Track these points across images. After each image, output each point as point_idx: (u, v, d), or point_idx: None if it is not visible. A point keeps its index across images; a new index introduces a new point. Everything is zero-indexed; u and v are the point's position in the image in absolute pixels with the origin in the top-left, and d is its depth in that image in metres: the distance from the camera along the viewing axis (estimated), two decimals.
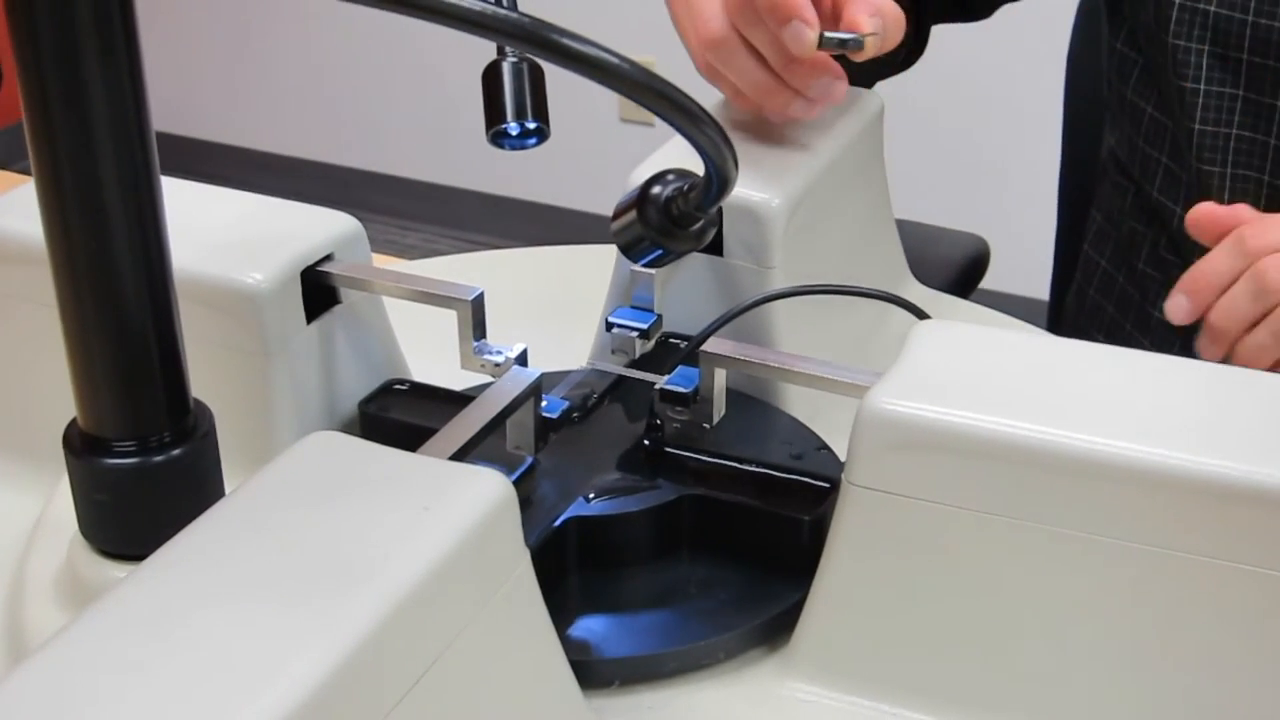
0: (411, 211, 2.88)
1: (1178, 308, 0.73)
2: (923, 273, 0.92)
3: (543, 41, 0.44)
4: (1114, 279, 1.09)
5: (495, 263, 0.95)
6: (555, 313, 0.87)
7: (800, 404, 0.74)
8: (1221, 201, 0.95)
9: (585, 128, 2.63)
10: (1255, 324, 0.71)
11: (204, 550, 0.48)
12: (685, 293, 0.74)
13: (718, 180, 0.53)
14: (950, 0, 1.05)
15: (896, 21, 0.72)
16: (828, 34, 0.69)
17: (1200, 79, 0.93)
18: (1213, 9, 0.91)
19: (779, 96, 0.75)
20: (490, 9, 0.43)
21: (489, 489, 0.51)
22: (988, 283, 1.31)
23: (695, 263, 0.74)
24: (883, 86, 0.86)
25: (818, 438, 0.71)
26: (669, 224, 0.59)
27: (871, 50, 0.70)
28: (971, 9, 1.06)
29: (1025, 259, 1.83)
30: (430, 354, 0.74)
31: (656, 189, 0.59)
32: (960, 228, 1.31)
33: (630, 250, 0.61)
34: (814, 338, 0.75)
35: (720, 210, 0.72)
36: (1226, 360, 0.72)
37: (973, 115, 2.37)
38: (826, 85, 0.74)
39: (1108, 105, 1.10)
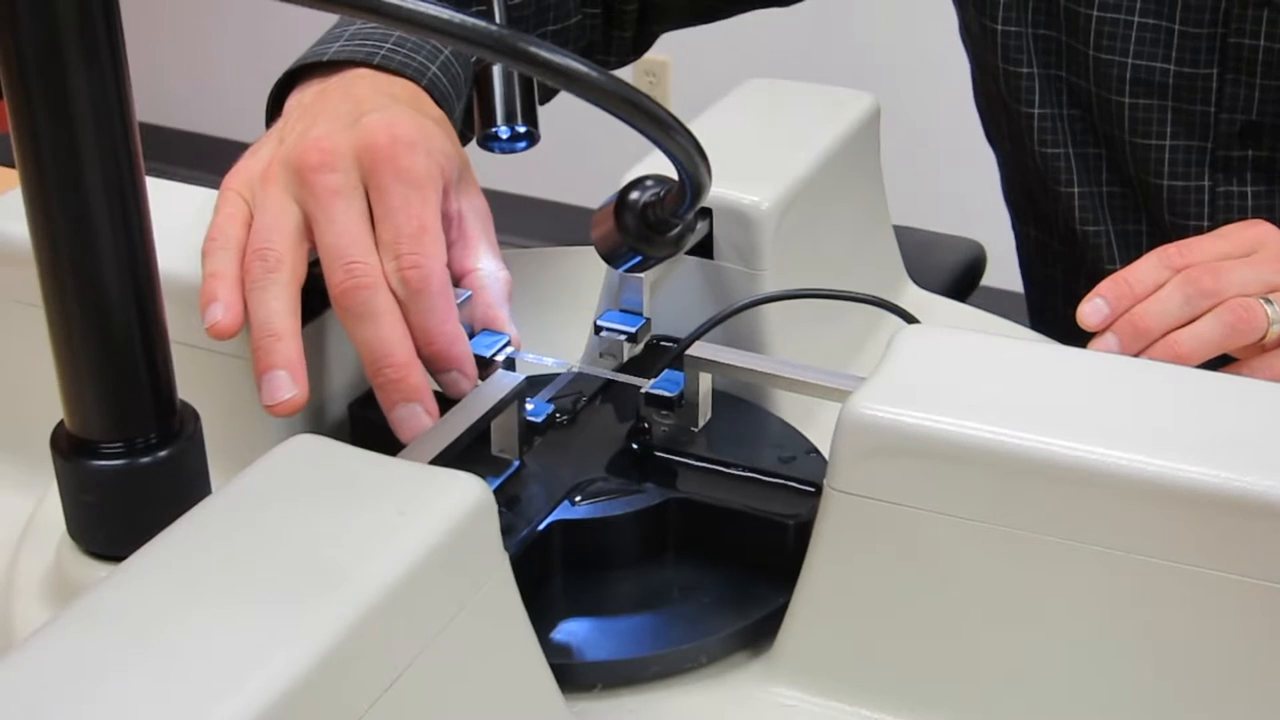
0: None
1: (1095, 311, 0.72)
2: (919, 279, 0.91)
3: (513, 51, 0.44)
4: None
5: None
6: (554, 314, 0.87)
7: (795, 407, 0.74)
8: (1072, 213, 0.99)
9: (616, 126, 2.62)
10: (1178, 327, 0.71)
11: (180, 553, 0.48)
12: (676, 295, 0.75)
13: (691, 187, 0.53)
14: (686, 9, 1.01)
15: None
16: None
17: (1034, 103, 0.98)
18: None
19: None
20: (461, 19, 0.43)
21: (466, 493, 0.51)
22: (988, 280, 1.31)
23: (685, 265, 0.74)
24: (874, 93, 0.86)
25: (807, 441, 0.71)
26: (646, 230, 0.59)
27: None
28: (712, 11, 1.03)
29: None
30: None
31: (634, 195, 0.59)
32: (958, 227, 1.30)
33: (610, 256, 0.61)
34: (806, 342, 0.75)
35: (708, 214, 0.72)
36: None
37: (967, 117, 2.38)
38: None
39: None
